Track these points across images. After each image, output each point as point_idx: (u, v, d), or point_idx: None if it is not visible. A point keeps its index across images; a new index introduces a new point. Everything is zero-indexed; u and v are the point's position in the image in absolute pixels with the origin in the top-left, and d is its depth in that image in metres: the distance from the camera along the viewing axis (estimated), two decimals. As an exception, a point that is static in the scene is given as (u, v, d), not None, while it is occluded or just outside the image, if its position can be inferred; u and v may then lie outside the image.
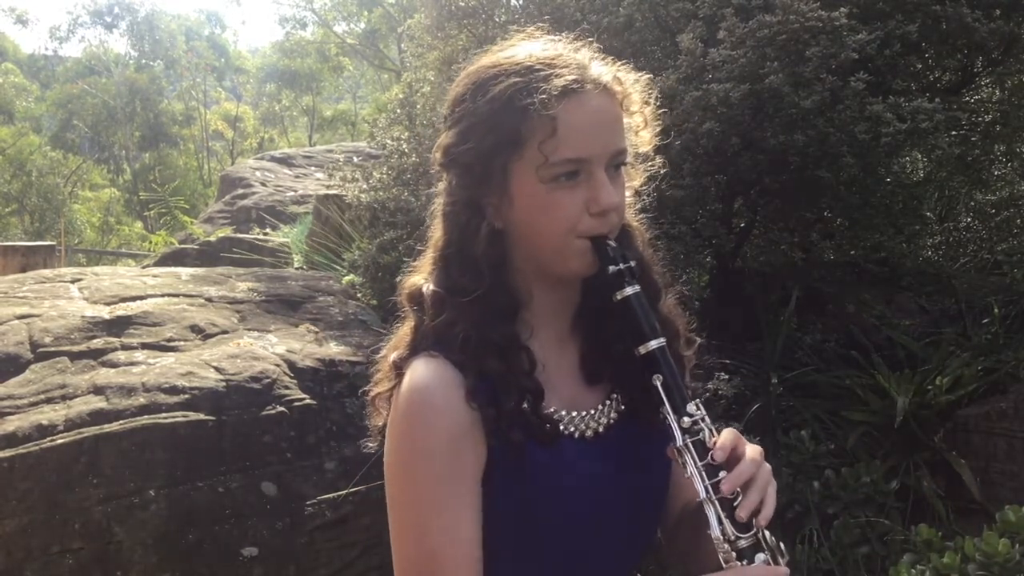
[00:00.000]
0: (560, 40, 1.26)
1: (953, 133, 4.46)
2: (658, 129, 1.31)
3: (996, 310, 4.49)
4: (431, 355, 1.21)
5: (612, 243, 1.21)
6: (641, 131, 1.28)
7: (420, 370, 1.20)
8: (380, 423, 1.27)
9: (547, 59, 1.20)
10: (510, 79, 1.19)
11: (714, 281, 4.49)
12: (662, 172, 1.35)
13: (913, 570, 2.86)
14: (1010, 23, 4.25)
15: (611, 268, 1.20)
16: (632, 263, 1.22)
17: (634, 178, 1.32)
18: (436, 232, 1.29)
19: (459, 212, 1.25)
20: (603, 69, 1.23)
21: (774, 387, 4.20)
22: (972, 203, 5.49)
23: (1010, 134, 4.89)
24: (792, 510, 3.65)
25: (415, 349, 1.24)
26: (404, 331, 1.29)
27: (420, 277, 1.29)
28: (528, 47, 1.24)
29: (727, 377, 3.86)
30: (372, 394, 1.29)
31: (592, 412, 1.27)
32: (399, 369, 1.24)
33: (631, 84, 1.25)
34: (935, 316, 4.78)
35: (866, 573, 3.51)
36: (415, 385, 1.19)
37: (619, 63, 1.26)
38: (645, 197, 1.35)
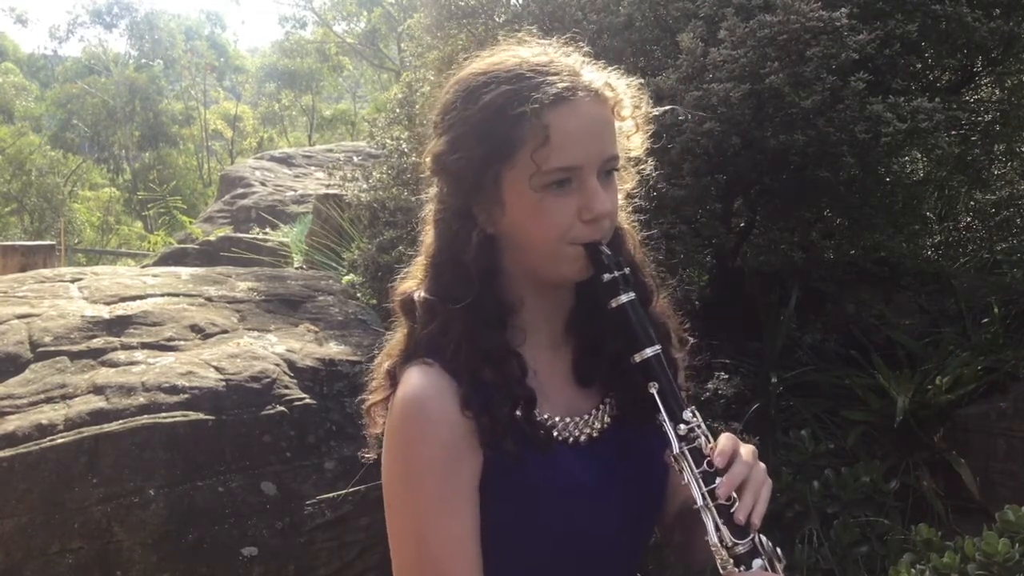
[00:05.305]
0: (551, 44, 1.24)
1: (953, 133, 4.46)
2: (650, 132, 1.30)
3: (996, 310, 4.48)
4: (425, 363, 1.20)
5: (606, 250, 1.20)
6: (633, 135, 1.28)
7: (414, 379, 1.20)
8: (377, 432, 1.27)
9: (538, 66, 1.19)
10: (501, 87, 1.18)
11: (714, 281, 4.49)
12: (662, 172, 1.35)
13: (913, 570, 2.86)
14: (1010, 23, 4.24)
15: (605, 276, 1.19)
16: (626, 270, 1.21)
17: (626, 181, 1.31)
18: (427, 238, 1.28)
19: (450, 219, 1.24)
20: (595, 75, 1.21)
21: (774, 387, 4.19)
22: (972, 203, 5.48)
23: (1010, 134, 4.90)
24: (792, 510, 3.65)
25: (408, 357, 1.24)
26: (397, 338, 1.29)
27: (412, 283, 1.29)
28: (519, 53, 1.23)
29: (727, 376, 3.86)
30: (367, 404, 1.29)
31: (586, 417, 1.26)
32: (393, 378, 1.24)
33: (623, 89, 1.24)
34: (935, 316, 4.77)
35: (866, 573, 3.51)
36: (409, 395, 1.19)
37: (610, 67, 1.25)
38: (643, 199, 1.35)
